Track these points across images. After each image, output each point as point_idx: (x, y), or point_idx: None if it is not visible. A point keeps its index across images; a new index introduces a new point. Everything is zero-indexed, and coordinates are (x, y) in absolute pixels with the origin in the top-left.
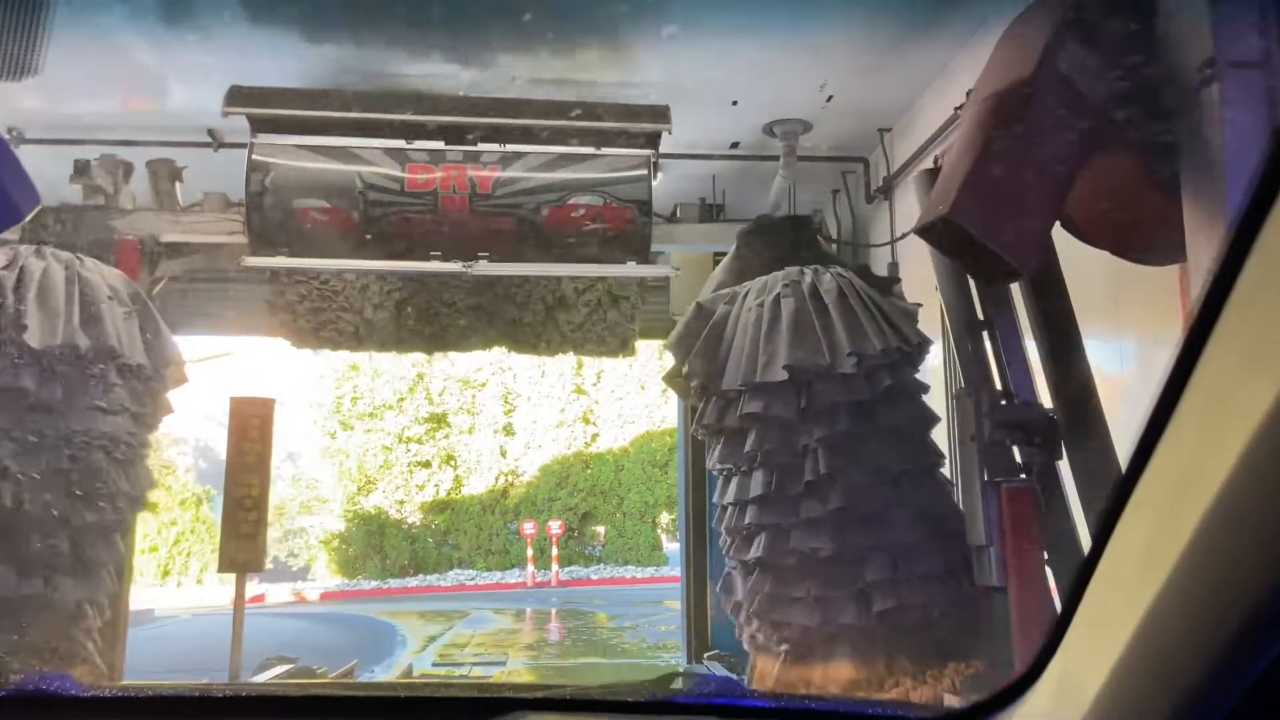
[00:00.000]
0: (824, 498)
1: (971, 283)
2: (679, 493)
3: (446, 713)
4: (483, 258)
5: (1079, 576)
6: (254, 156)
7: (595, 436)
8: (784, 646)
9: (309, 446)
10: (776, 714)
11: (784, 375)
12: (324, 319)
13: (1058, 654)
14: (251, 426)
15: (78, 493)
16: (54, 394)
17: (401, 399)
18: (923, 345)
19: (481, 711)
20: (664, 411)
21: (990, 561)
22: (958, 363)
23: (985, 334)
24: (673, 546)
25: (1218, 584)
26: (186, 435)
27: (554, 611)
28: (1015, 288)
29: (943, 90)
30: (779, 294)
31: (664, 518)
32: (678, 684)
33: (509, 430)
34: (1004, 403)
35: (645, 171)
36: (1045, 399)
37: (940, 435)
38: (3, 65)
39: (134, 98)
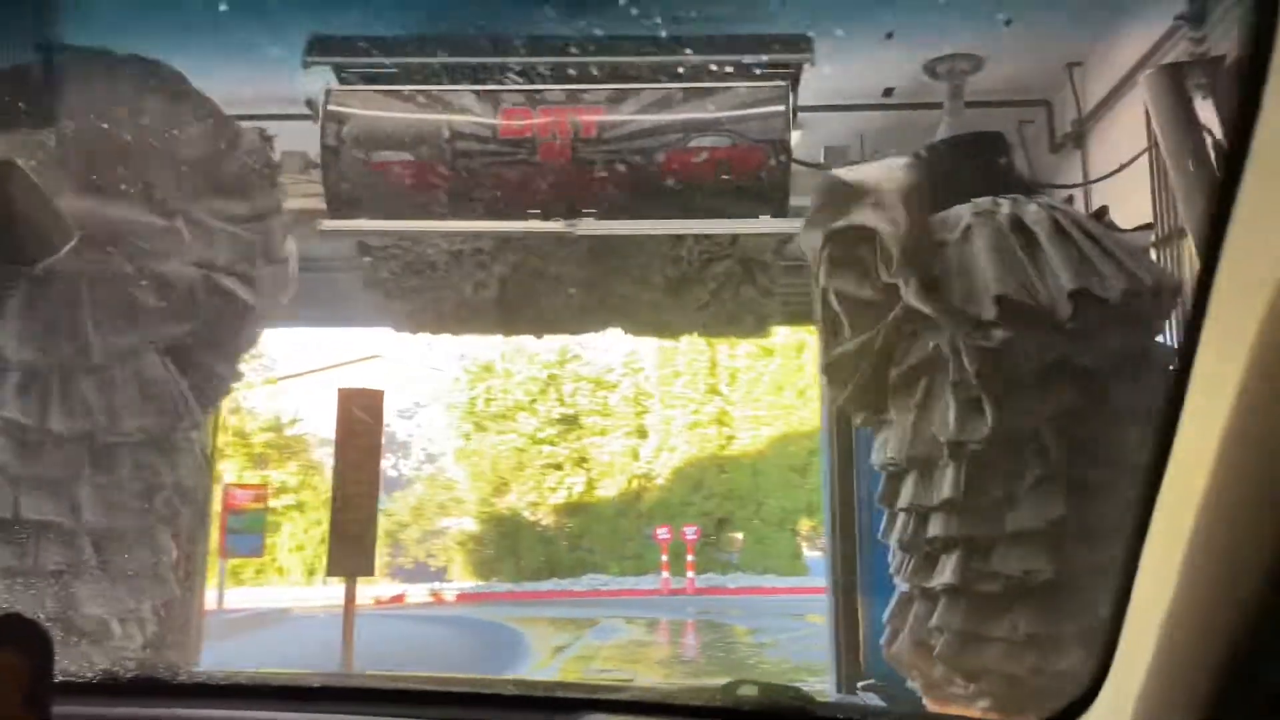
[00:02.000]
0: (1040, 502)
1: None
2: (823, 496)
3: (516, 709)
4: (588, 214)
5: (1119, 591)
6: (329, 106)
7: (730, 439)
8: (983, 701)
9: (448, 448)
10: None
11: (988, 308)
12: (424, 300)
13: (1110, 673)
14: (359, 420)
15: (102, 489)
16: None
17: (533, 400)
18: (1174, 293)
19: (550, 709)
20: (802, 414)
21: None
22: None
23: None
24: (814, 555)
25: (1221, 585)
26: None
27: (689, 623)
28: None
29: (1150, 7)
30: (969, 225)
31: (803, 525)
32: (745, 691)
33: (642, 432)
34: None
35: (782, 106)
36: None
37: None
38: None
39: (227, 73)
